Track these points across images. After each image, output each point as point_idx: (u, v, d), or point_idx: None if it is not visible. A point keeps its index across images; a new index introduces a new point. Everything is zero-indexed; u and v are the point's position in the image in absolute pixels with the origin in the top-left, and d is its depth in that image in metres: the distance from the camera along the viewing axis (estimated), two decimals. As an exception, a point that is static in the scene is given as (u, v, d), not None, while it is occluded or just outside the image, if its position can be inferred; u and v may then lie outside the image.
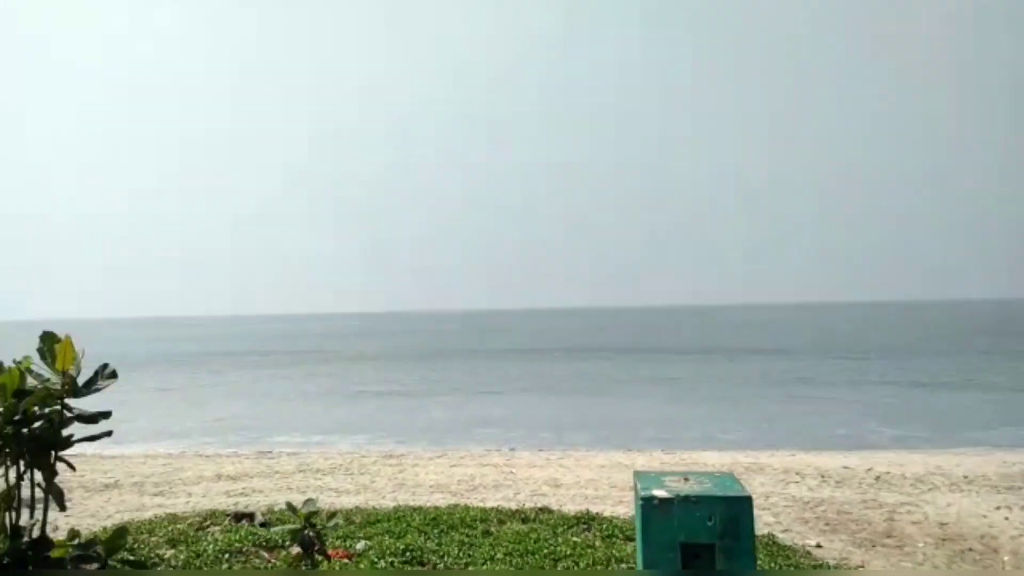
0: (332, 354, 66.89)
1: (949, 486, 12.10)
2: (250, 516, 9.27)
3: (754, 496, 11.61)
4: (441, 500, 11.27)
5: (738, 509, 3.71)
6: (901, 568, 7.74)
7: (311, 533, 5.40)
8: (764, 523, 9.77)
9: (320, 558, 5.54)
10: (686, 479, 4.05)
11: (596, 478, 13.21)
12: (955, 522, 9.63)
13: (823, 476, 13.12)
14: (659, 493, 3.75)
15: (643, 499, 3.73)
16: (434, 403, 30.78)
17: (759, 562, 7.48)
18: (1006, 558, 8.00)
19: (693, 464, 15.10)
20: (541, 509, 10.02)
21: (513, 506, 10.38)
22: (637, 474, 4.18)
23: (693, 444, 19.21)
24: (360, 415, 28.10)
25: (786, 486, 12.42)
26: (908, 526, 9.52)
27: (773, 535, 8.89)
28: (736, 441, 19.78)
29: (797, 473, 13.57)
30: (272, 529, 7.96)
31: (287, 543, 7.49)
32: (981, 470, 13.42)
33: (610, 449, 17.84)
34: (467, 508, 10.02)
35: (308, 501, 5.76)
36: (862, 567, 7.80)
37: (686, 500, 3.71)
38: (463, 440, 20.91)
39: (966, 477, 12.79)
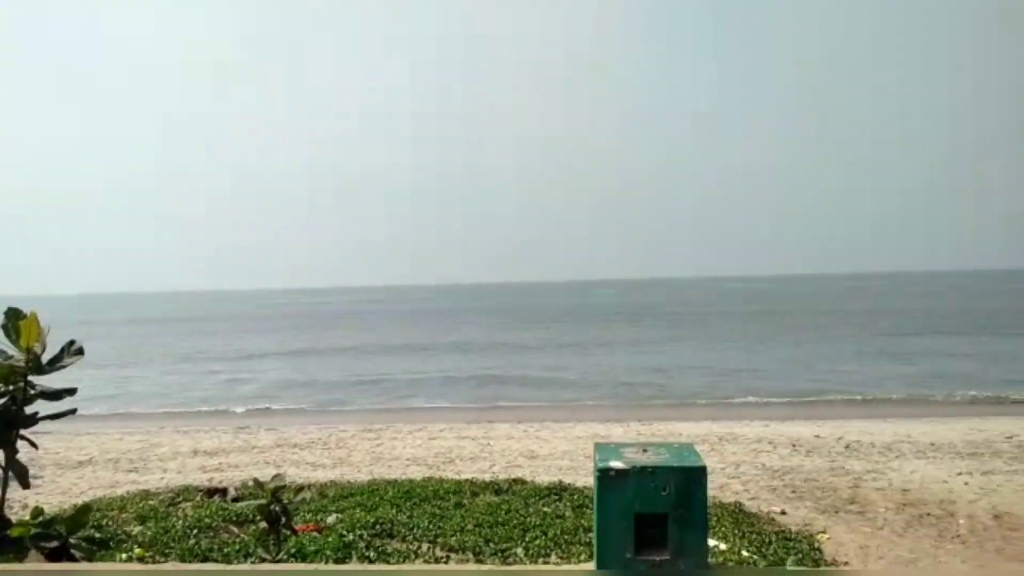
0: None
1: (916, 453, 12.38)
2: (223, 491, 9.30)
3: (725, 466, 11.86)
4: (417, 473, 11.36)
5: (692, 479, 3.77)
6: (896, 568, 7.92)
7: (277, 508, 5.43)
8: (733, 492, 9.98)
9: (287, 532, 5.58)
10: (644, 450, 4.10)
11: (572, 449, 13.37)
12: (917, 488, 9.87)
13: (794, 445, 13.38)
14: (615, 464, 3.80)
15: (599, 471, 3.78)
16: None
17: (725, 529, 7.67)
18: (961, 521, 8.23)
19: (668, 435, 15.34)
20: (515, 480, 10.14)
21: (488, 478, 10.50)
22: (597, 446, 4.23)
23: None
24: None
25: (757, 455, 12.65)
26: (872, 493, 9.74)
27: (740, 503, 9.08)
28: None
29: (769, 443, 13.82)
30: (239, 504, 7.99)
31: (257, 518, 7.53)
32: (948, 438, 13.73)
33: (588, 420, 18.03)
34: (441, 481, 10.12)
35: (276, 476, 5.79)
36: (847, 566, 7.99)
37: (642, 471, 3.76)
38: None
39: (933, 444, 13.09)
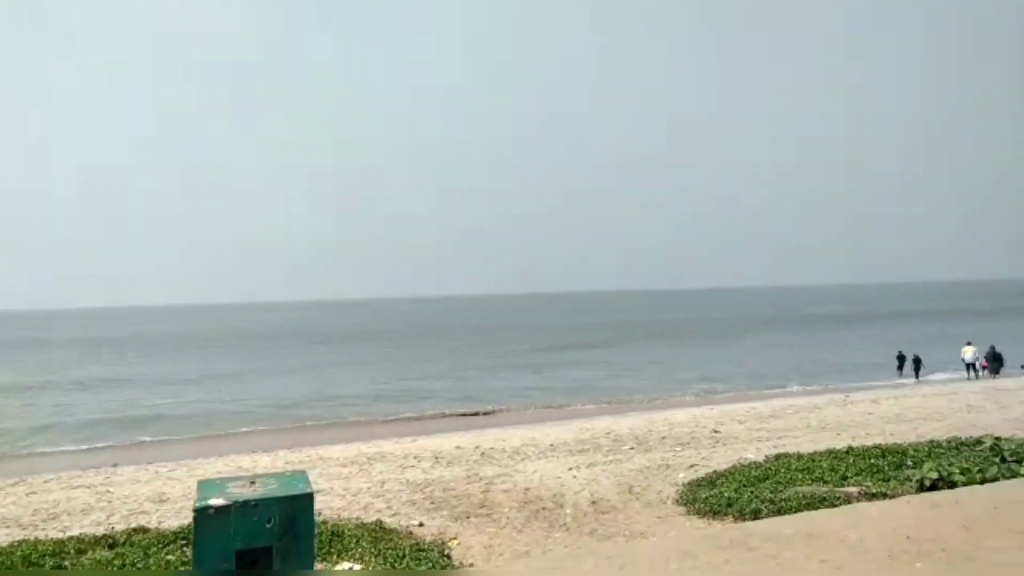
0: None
1: (538, 455, 13.95)
2: None
3: (371, 485, 11.96)
4: (4, 537, 9.41)
5: (299, 507, 3.70)
6: (510, 566, 8.63)
7: None
8: (376, 510, 10.13)
9: None
10: (252, 483, 3.92)
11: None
12: (536, 486, 11.10)
13: (437, 458, 14.12)
14: (215, 501, 3.57)
15: (196, 510, 3.51)
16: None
17: (363, 549, 7.71)
18: (568, 511, 9.46)
19: (318, 460, 15.06)
20: (135, 530, 8.98)
21: (103, 531, 9.14)
22: (200, 483, 3.93)
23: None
24: None
25: (403, 471, 13.07)
26: (500, 494, 10.70)
27: (382, 521, 9.23)
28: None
29: (415, 457, 14.39)
30: None
31: None
32: (564, 438, 15.76)
33: (235, 453, 16.86)
34: (36, 543, 8.52)
35: None
36: (472, 567, 8.51)
37: (244, 505, 3.58)
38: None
39: (552, 445, 14.90)
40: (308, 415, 24.76)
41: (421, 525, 9.15)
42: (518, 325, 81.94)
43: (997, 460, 8.78)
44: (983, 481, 7.43)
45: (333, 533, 8.21)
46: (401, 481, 12.14)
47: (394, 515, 9.77)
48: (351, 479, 12.52)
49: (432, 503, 10.38)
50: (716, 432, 15.85)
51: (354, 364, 44.84)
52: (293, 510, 3.66)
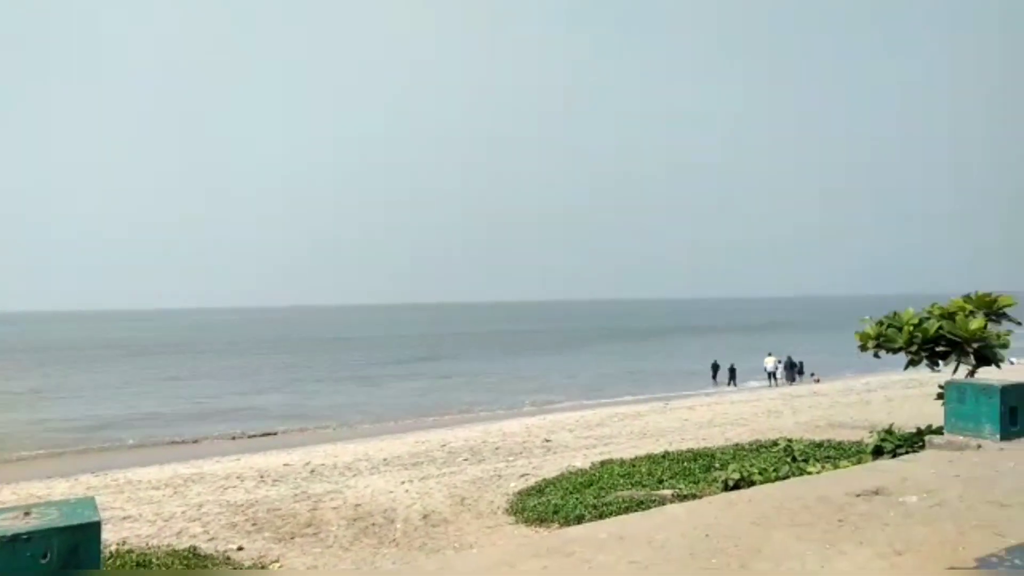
0: None
1: (371, 469, 13.64)
2: None
3: (187, 508, 11.11)
4: None
5: (83, 538, 3.30)
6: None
7: None
8: (191, 535, 9.41)
9: None
10: (27, 513, 3.46)
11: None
12: (367, 501, 10.84)
13: (262, 477, 13.40)
14: (-23, 538, 3.10)
15: (-49, 550, 3.03)
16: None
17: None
18: (398, 525, 9.32)
19: (126, 483, 13.78)
20: None
21: None
22: (-35, 519, 3.41)
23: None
24: None
25: (224, 492, 12.26)
26: (328, 512, 10.32)
27: (196, 547, 8.58)
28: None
29: (238, 477, 13.56)
30: None
31: None
32: (398, 452, 15.54)
33: (25, 480, 15.00)
34: None
35: None
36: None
37: (14, 540, 3.15)
38: None
39: (385, 460, 14.63)
40: (119, 436, 22.60)
41: (240, 549, 8.61)
42: (369, 336, 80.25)
43: (789, 460, 9.74)
44: (777, 479, 8.20)
45: (139, 563, 7.52)
46: (221, 503, 11.37)
47: (211, 540, 9.11)
48: (164, 503, 11.55)
49: (254, 525, 9.80)
50: (548, 441, 16.34)
51: (176, 379, 41.67)
52: (75, 541, 3.26)
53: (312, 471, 13.64)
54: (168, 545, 8.67)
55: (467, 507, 10.11)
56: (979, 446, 5.97)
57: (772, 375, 34.03)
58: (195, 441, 21.22)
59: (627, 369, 43.79)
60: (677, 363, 46.22)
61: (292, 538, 9.07)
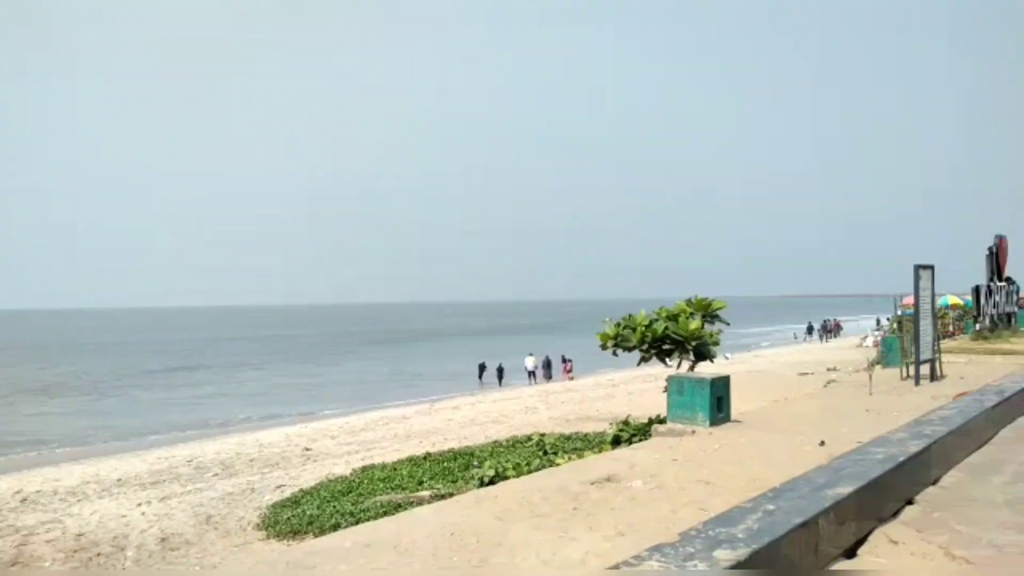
0: None
1: (100, 493, 12.10)
2: None
3: None
4: None
5: None
6: None
7: None
8: None
9: None
10: None
11: None
12: (94, 529, 9.60)
13: (-44, 511, 11.27)
14: None
15: None
16: None
17: None
18: (129, 553, 8.36)
19: None
20: None
21: None
22: None
23: None
24: None
25: None
26: (43, 546, 8.97)
27: None
28: None
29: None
30: None
31: None
32: (136, 471, 13.97)
33: None
34: None
35: None
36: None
37: None
38: None
39: (120, 480, 13.07)
40: None
41: (-85, 603, 7.15)
42: (107, 343, 71.31)
43: (541, 454, 10.32)
44: (529, 472, 8.64)
45: None
46: None
47: None
48: None
49: (-63, 571, 8.20)
50: (308, 449, 15.70)
51: None
52: None
53: (24, 500, 11.76)
54: None
55: (213, 526, 9.36)
56: (694, 432, 6.77)
57: (532, 373, 35.96)
58: None
59: (394, 372, 43.69)
60: (444, 365, 47.04)
61: (-10, 581, 7.74)
